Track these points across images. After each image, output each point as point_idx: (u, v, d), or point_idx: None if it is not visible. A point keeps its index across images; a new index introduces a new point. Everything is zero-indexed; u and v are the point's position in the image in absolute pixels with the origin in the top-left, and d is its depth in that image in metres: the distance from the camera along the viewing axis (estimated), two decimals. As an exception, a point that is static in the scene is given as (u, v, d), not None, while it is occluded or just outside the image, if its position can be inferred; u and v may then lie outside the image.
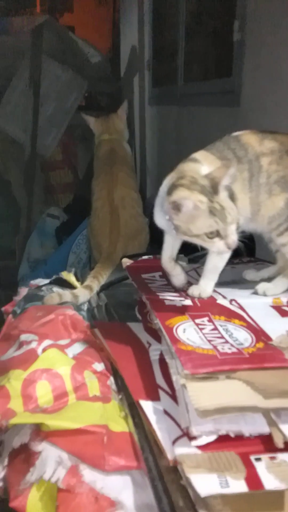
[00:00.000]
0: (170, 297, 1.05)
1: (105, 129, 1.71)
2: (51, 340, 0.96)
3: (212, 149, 0.98)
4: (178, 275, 1.06)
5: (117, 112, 1.81)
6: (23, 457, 0.78)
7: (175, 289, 1.06)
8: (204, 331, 0.91)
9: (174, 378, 0.80)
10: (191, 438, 0.72)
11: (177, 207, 0.86)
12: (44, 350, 0.93)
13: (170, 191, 0.89)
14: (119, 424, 0.81)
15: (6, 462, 0.79)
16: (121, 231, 1.45)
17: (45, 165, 3.08)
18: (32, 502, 0.73)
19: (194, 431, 0.71)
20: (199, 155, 0.96)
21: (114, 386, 0.90)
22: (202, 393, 0.74)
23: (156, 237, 1.64)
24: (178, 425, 0.76)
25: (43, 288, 1.29)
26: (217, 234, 0.87)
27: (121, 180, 1.55)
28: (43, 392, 0.84)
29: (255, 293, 1.08)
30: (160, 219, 0.98)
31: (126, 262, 1.20)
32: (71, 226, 2.40)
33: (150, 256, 1.26)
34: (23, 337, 0.98)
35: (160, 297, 1.05)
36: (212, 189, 0.87)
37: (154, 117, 2.72)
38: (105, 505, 0.70)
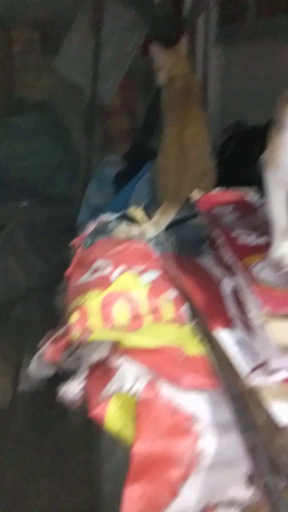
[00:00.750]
0: (244, 234, 1.02)
1: (178, 60, 1.63)
2: (125, 266, 0.97)
3: None
4: None
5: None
6: (102, 371, 0.81)
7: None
8: (281, 271, 0.88)
9: (251, 315, 0.79)
10: (270, 371, 0.72)
11: None
12: (119, 275, 0.94)
13: None
14: (195, 347, 0.82)
15: (85, 375, 0.82)
16: (189, 170, 1.41)
17: (104, 112, 3.04)
18: (110, 413, 0.76)
19: (273, 364, 0.71)
20: None
21: (187, 314, 0.90)
22: (281, 331, 0.74)
23: (221, 182, 1.60)
24: (255, 356, 0.76)
25: (111, 223, 1.30)
26: None
27: (194, 117, 1.49)
28: (120, 312, 0.86)
29: None
30: None
31: (196, 195, 1.18)
32: (129, 173, 2.39)
33: (221, 188, 1.23)
34: (97, 263, 1.00)
35: (233, 233, 1.02)
36: None
37: (220, 58, 2.59)
38: (183, 419, 0.72)
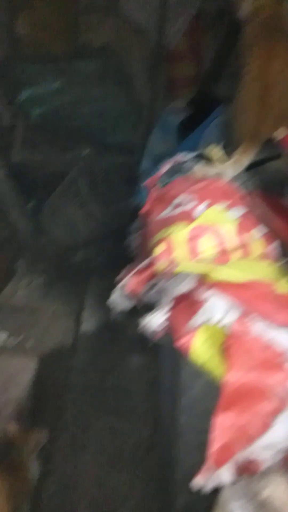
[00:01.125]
0: None
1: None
2: (210, 201, 0.93)
3: None
4: None
5: None
6: (187, 303, 0.79)
7: None
8: None
9: None
10: None
11: None
12: (204, 210, 0.90)
13: None
14: (286, 285, 0.78)
15: (169, 307, 0.81)
16: (272, 108, 1.31)
17: (168, 56, 2.90)
18: (196, 344, 0.75)
19: None
20: None
21: (277, 252, 0.86)
22: None
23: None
24: None
25: (187, 162, 1.25)
26: None
27: (281, 51, 1.36)
28: (207, 246, 0.83)
29: None
30: None
31: (281, 133, 1.10)
32: (194, 121, 2.29)
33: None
34: (179, 198, 0.96)
35: None
36: None
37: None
38: (275, 354, 0.69)
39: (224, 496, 0.68)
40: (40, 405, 1.67)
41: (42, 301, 2.33)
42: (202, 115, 2.17)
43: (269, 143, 1.22)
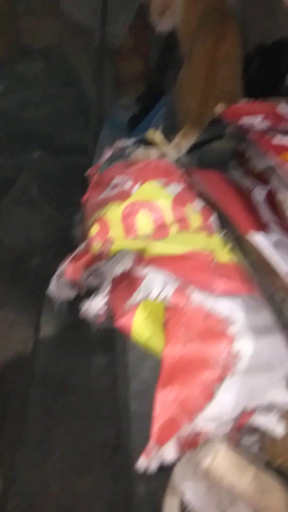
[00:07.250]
0: (278, 135, 0.94)
1: None
2: (146, 179, 0.90)
3: None
4: None
5: None
6: (126, 283, 0.75)
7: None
8: None
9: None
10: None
11: None
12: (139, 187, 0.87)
13: None
14: (226, 255, 0.76)
15: (108, 289, 0.77)
16: (216, 90, 1.30)
17: (114, 55, 2.89)
18: (137, 322, 0.72)
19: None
20: None
21: (216, 224, 0.84)
22: None
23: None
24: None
25: (128, 148, 1.22)
26: None
27: (231, 33, 1.33)
28: (144, 222, 0.80)
29: None
30: None
31: (220, 107, 1.08)
32: (143, 117, 2.28)
33: (248, 99, 1.13)
34: (116, 179, 0.93)
35: (267, 136, 0.94)
36: None
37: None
38: (216, 322, 0.67)
39: (176, 477, 0.65)
40: (0, 414, 1.60)
41: (-2, 309, 2.25)
42: (151, 110, 2.17)
43: (213, 124, 1.21)
